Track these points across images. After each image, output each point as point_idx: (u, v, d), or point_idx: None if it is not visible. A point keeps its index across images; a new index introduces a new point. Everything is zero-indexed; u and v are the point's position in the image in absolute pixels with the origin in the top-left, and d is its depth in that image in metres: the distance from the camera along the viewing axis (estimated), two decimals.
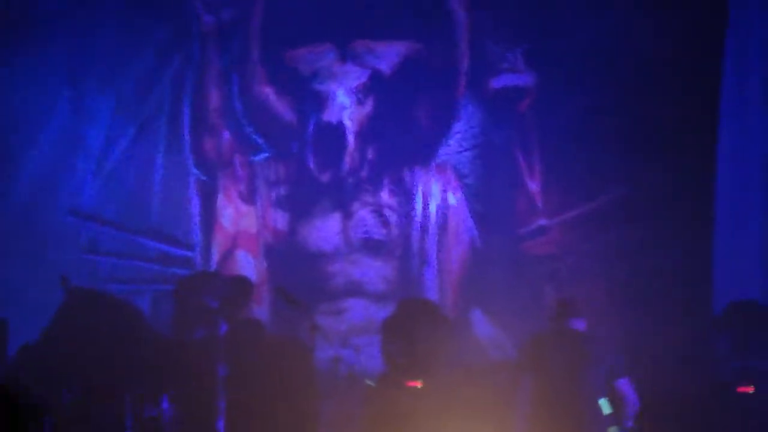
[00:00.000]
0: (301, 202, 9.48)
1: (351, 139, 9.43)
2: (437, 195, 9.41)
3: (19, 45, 9.43)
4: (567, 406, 7.53)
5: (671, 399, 7.95)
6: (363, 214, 9.42)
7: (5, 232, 9.38)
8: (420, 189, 9.41)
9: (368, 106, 9.45)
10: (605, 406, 7.55)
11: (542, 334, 7.86)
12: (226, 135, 9.60)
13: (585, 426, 7.53)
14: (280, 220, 9.51)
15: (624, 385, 7.59)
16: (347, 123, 9.44)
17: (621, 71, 9.10)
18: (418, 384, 7.60)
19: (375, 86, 9.43)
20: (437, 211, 9.40)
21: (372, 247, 9.39)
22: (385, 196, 9.42)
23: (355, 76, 9.45)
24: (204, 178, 9.58)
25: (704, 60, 9.09)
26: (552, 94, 9.23)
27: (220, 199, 9.57)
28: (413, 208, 9.40)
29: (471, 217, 9.39)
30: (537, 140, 9.32)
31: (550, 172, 9.29)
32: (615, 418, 7.55)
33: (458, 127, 9.41)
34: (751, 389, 7.73)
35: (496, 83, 9.38)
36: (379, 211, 9.41)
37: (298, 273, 9.32)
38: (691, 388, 7.97)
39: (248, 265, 9.48)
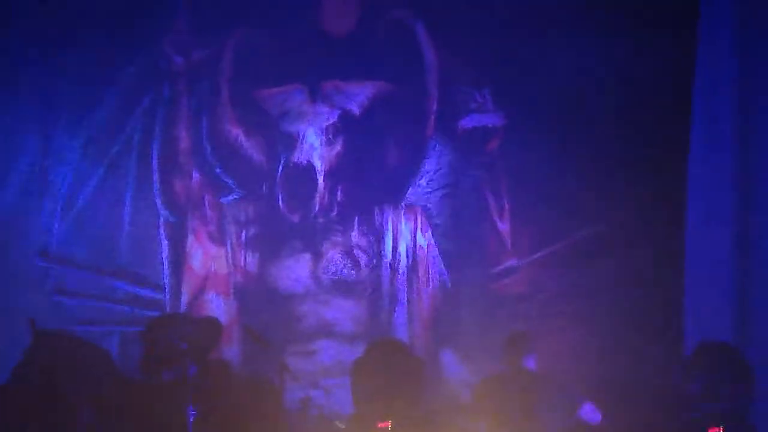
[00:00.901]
0: (271, 243, 9.46)
1: (321, 179, 9.43)
2: (407, 235, 9.41)
3: None
4: None
5: None
6: (333, 254, 9.41)
7: None
8: (390, 229, 9.41)
9: (338, 146, 9.46)
10: None
11: (496, 374, 7.88)
12: (196, 176, 9.58)
13: None
14: (250, 260, 9.49)
15: (589, 410, 7.61)
16: (317, 163, 9.45)
17: (590, 109, 9.14)
18: (388, 425, 7.58)
19: (345, 126, 9.44)
20: (407, 252, 9.40)
21: (342, 287, 9.38)
22: (355, 236, 9.41)
23: (325, 116, 9.46)
24: (173, 219, 9.56)
25: (673, 99, 9.14)
26: (521, 133, 9.26)
27: (190, 240, 9.55)
28: (383, 249, 9.40)
29: (441, 257, 9.39)
30: (506, 180, 9.35)
31: (520, 212, 9.31)
32: None
33: (428, 167, 9.43)
34: (720, 430, 7.72)
35: (465, 123, 9.41)
36: (349, 252, 9.41)
37: (268, 313, 9.30)
38: (661, 428, 7.96)
39: (218, 306, 9.45)
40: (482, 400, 7.85)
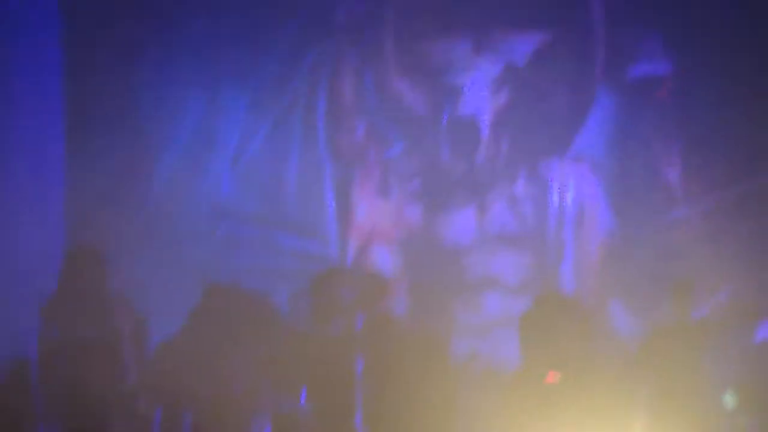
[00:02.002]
0: (436, 196, 9.47)
1: (485, 131, 9.39)
2: (574, 185, 9.33)
3: (153, 49, 9.57)
4: (688, 401, 7.44)
5: None
6: (499, 206, 9.37)
7: (144, 230, 9.53)
8: (556, 180, 9.34)
9: (503, 98, 9.40)
10: (731, 400, 7.44)
11: (664, 326, 7.79)
12: (360, 129, 9.63)
13: (709, 422, 7.42)
14: (414, 213, 9.50)
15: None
16: (482, 114, 9.41)
17: (762, 55, 8.93)
18: (556, 378, 7.54)
19: (509, 77, 9.38)
20: (574, 203, 9.32)
21: (508, 239, 9.34)
22: (520, 187, 9.36)
23: (490, 67, 9.40)
24: (339, 172, 9.63)
25: None
26: (691, 80, 9.11)
27: (356, 194, 9.60)
28: (550, 200, 9.33)
29: (609, 207, 9.29)
30: (675, 128, 9.20)
31: (690, 161, 9.16)
32: (742, 410, 7.44)
33: (594, 116, 9.32)
34: None
35: (633, 71, 9.28)
36: (514, 203, 9.36)
37: (433, 266, 9.32)
38: None
39: (384, 259, 9.50)
40: (650, 353, 7.76)
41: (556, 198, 9.34)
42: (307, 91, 9.70)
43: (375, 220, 9.58)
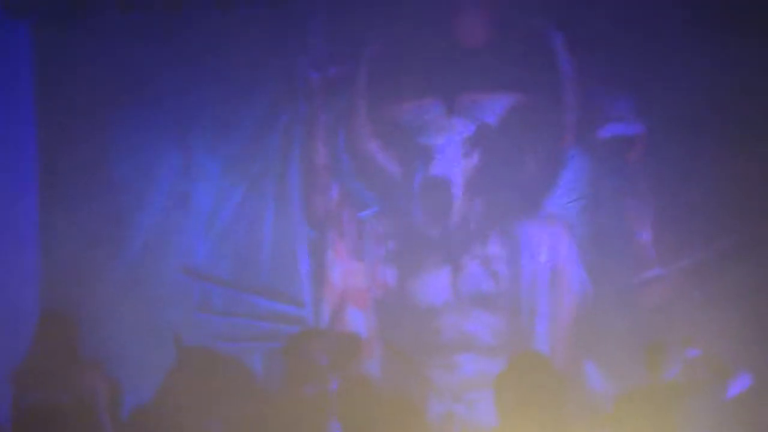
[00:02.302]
0: (410, 257, 9.47)
1: (458, 192, 9.42)
2: (547, 246, 9.35)
3: (128, 108, 9.59)
4: None
5: None
6: (472, 267, 9.39)
7: (117, 292, 9.50)
8: (529, 241, 9.36)
9: (475, 159, 9.44)
10: None
11: (638, 387, 7.80)
12: (335, 191, 9.65)
13: None
14: (389, 275, 9.50)
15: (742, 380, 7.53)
16: (454, 176, 9.44)
17: (733, 116, 8.99)
18: None
19: (481, 139, 9.42)
20: (547, 263, 9.34)
21: (482, 300, 9.35)
22: (494, 248, 9.38)
23: (462, 129, 9.45)
24: (313, 234, 9.63)
25: None
26: (661, 142, 9.15)
27: (329, 255, 9.60)
28: (523, 261, 9.35)
29: (582, 267, 9.31)
30: (647, 189, 9.23)
31: (662, 221, 9.19)
32: None
33: (566, 177, 9.36)
34: None
35: (604, 132, 9.32)
36: (488, 264, 9.37)
37: (408, 328, 9.30)
38: None
39: (358, 321, 9.48)
40: (624, 413, 7.76)
41: (529, 259, 9.36)
42: (281, 153, 9.72)
43: (349, 282, 9.58)
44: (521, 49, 9.38)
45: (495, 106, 9.42)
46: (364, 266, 9.56)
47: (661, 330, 8.94)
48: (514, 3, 9.43)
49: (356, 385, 7.87)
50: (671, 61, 9.13)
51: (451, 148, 9.46)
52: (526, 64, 9.36)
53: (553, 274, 9.34)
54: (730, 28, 8.98)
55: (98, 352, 8.14)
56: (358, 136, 9.60)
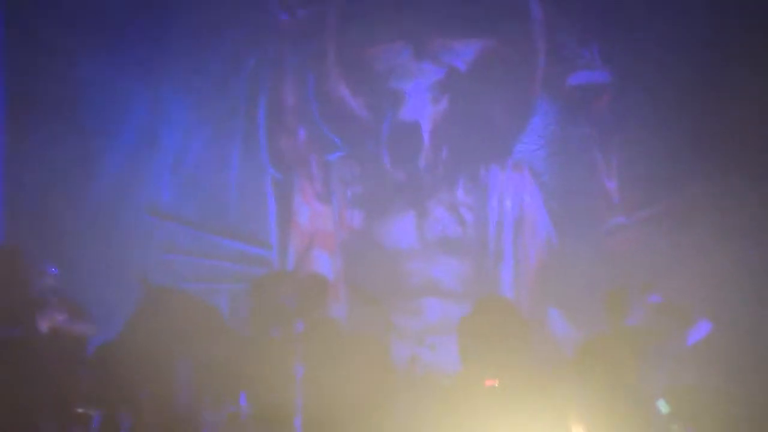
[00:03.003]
0: (377, 201, 9.49)
1: (426, 137, 9.42)
2: (513, 193, 9.38)
3: (97, 49, 9.52)
4: (623, 406, 7.49)
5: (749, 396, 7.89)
6: (439, 212, 9.41)
7: (85, 232, 9.48)
8: (496, 187, 9.38)
9: (444, 104, 9.44)
10: (663, 406, 7.51)
11: (599, 333, 7.85)
12: (302, 134, 9.63)
13: (643, 427, 7.48)
14: (356, 218, 9.52)
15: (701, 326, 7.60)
16: (423, 121, 9.44)
17: (702, 65, 9.02)
18: (495, 383, 7.56)
19: (451, 84, 9.42)
20: (513, 209, 9.37)
21: (448, 245, 9.38)
22: (460, 194, 9.40)
23: (431, 73, 9.44)
24: (280, 177, 9.62)
25: None
26: (629, 90, 9.18)
27: (297, 198, 9.60)
28: (489, 206, 9.37)
29: (548, 214, 9.35)
30: (614, 137, 9.27)
31: (628, 169, 9.23)
32: (675, 416, 7.51)
33: (534, 124, 9.38)
34: None
35: (573, 80, 9.34)
36: (454, 209, 9.39)
37: (374, 271, 9.33)
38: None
39: (324, 263, 9.51)
40: (586, 359, 7.80)
41: (495, 204, 9.38)
42: (249, 95, 9.69)
43: (316, 225, 9.59)
44: None
45: (465, 52, 9.41)
46: (331, 209, 9.57)
47: (624, 277, 9.00)
48: None
49: (321, 328, 7.88)
50: (638, 10, 9.14)
51: (420, 92, 9.45)
52: (497, 10, 9.35)
53: (518, 221, 9.37)
54: None
55: (62, 289, 8.11)
56: (327, 79, 9.57)
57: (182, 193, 9.68)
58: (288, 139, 9.64)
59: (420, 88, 9.45)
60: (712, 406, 7.60)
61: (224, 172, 9.66)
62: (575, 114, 9.34)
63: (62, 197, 9.47)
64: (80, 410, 7.66)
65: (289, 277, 8.94)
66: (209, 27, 9.54)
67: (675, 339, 7.83)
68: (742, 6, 8.96)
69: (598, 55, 9.35)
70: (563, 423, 7.61)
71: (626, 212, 9.26)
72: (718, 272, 8.89)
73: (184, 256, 9.61)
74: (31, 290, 7.90)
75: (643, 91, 9.12)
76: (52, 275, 7.92)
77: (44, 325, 7.67)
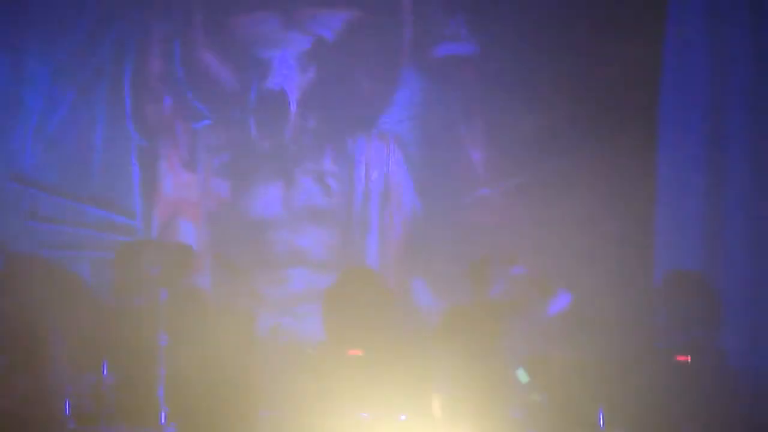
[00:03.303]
0: (243, 170, 9.45)
1: (293, 106, 9.41)
2: (379, 163, 9.42)
3: None
4: (482, 377, 7.60)
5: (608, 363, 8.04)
6: (305, 181, 9.41)
7: None
8: (362, 157, 9.41)
9: (311, 74, 9.43)
10: (522, 375, 7.63)
11: (463, 303, 7.95)
12: (168, 101, 9.55)
13: (501, 397, 7.60)
14: (221, 187, 9.48)
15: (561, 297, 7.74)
16: (290, 90, 9.42)
17: (566, 37, 9.11)
18: (359, 353, 7.62)
19: (318, 53, 9.41)
20: (379, 180, 9.41)
21: (314, 214, 9.39)
22: (327, 163, 9.41)
23: (298, 43, 9.42)
24: (145, 144, 9.54)
25: (650, 25, 9.11)
26: (495, 62, 9.24)
27: (162, 166, 9.53)
28: (355, 176, 9.40)
29: (413, 185, 9.41)
30: (479, 109, 9.34)
31: (493, 142, 9.31)
32: (533, 386, 7.64)
33: (400, 95, 9.42)
34: (688, 359, 7.80)
35: (439, 52, 9.38)
36: (321, 179, 9.41)
37: (239, 241, 9.31)
38: (629, 354, 8.04)
39: (189, 232, 9.46)
40: (449, 329, 7.90)
41: (362, 175, 9.42)
42: (113, 61, 9.58)
43: (181, 193, 9.53)
44: None
45: (332, 21, 9.40)
46: (196, 178, 9.52)
47: (488, 248, 9.10)
48: None
49: (186, 297, 7.87)
50: None
51: (287, 61, 9.43)
52: None
53: (385, 191, 9.42)
54: None
55: None
56: (194, 46, 9.50)
57: (45, 159, 9.53)
58: (154, 105, 9.55)
59: (287, 57, 9.42)
60: (568, 376, 7.74)
61: (88, 138, 9.54)
62: (442, 85, 9.39)
63: None
64: None
65: (153, 245, 8.89)
66: None
67: (537, 310, 7.96)
68: None
69: (464, 26, 9.40)
70: (426, 392, 7.71)
71: (491, 183, 9.35)
72: (577, 244, 9.04)
73: (46, 224, 9.48)
74: None
75: (510, 61, 9.19)
76: None
77: None
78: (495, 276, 8.03)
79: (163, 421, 7.54)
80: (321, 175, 9.41)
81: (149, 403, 7.54)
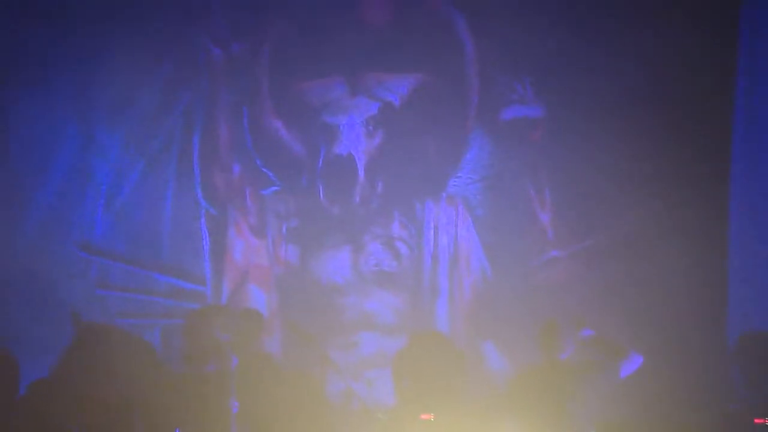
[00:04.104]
0: (312, 235, 9.49)
1: (361, 171, 9.45)
2: (448, 227, 9.41)
3: (29, 82, 9.47)
4: None
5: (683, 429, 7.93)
6: (374, 246, 9.43)
7: (15, 267, 9.39)
8: (430, 221, 9.41)
9: (378, 139, 9.47)
10: None
11: (532, 367, 7.89)
12: (236, 169, 9.62)
13: None
14: (290, 253, 9.51)
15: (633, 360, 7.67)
16: (357, 155, 9.46)
17: (630, 103, 9.11)
18: (431, 417, 7.57)
19: (385, 118, 9.45)
20: (448, 243, 9.40)
21: (383, 279, 9.40)
22: (395, 228, 9.43)
23: (365, 108, 9.47)
24: (214, 212, 9.60)
25: (717, 87, 9.09)
26: (561, 125, 9.25)
27: (231, 233, 9.58)
28: (424, 240, 9.40)
29: (482, 248, 9.39)
30: (547, 171, 9.33)
31: (561, 204, 9.30)
32: None
33: (468, 158, 9.43)
34: (766, 421, 7.69)
35: (506, 114, 9.40)
36: (390, 243, 9.42)
37: (309, 306, 9.33)
38: (704, 418, 7.94)
39: (259, 298, 9.48)
40: (520, 392, 7.84)
41: (430, 239, 9.42)
42: (182, 130, 9.67)
43: (250, 259, 9.57)
44: (425, 29, 9.43)
45: (399, 86, 9.45)
46: (265, 244, 9.56)
47: (557, 311, 9.04)
48: None
49: (256, 363, 7.86)
50: (572, 45, 9.23)
51: (354, 127, 9.48)
52: (430, 45, 9.41)
53: (453, 255, 9.41)
54: (628, 17, 9.12)
55: None
56: (262, 114, 9.57)
57: (115, 229, 9.62)
58: (222, 173, 9.62)
59: (354, 123, 9.47)
60: None
61: (158, 207, 9.62)
62: (509, 148, 9.40)
63: None
64: None
65: (223, 311, 8.89)
66: (141, 61, 9.49)
67: (608, 373, 7.89)
68: (671, 40, 9.07)
69: (531, 89, 9.41)
70: None
71: (559, 246, 9.32)
72: (648, 306, 8.97)
73: (117, 292, 9.55)
74: None
75: (576, 125, 9.18)
76: None
77: None
78: (565, 339, 7.98)
79: None
80: (390, 239, 9.42)
81: None
